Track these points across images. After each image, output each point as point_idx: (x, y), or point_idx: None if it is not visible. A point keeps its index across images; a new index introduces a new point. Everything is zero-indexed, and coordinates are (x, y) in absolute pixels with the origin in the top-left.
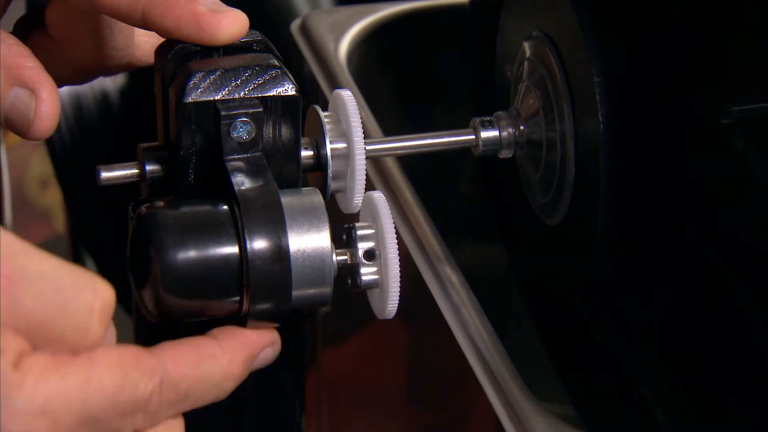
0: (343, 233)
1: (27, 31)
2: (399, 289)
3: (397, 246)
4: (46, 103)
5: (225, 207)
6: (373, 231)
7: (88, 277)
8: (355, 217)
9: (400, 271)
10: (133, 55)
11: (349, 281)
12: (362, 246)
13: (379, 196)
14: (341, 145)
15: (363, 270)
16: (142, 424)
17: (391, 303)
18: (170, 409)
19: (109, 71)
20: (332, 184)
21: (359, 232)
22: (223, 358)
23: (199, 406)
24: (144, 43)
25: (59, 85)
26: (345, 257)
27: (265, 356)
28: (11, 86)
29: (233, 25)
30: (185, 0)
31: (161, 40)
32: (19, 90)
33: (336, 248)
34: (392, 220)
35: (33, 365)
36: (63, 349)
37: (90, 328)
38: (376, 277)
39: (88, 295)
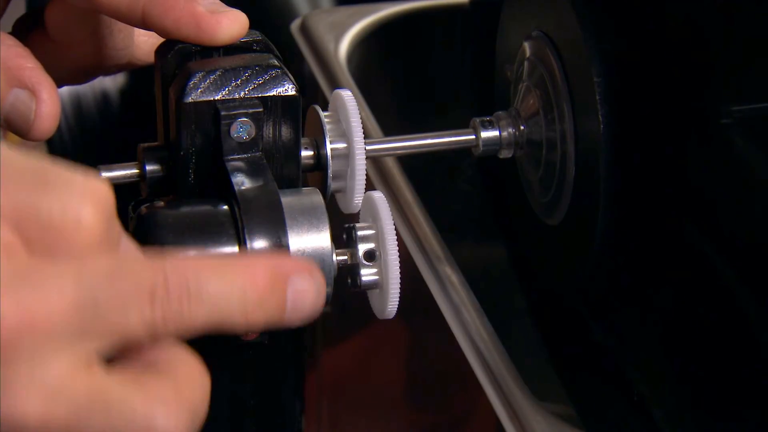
0: (343, 233)
1: (26, 31)
2: (399, 290)
3: (397, 246)
4: (46, 103)
5: (225, 207)
6: (373, 231)
7: (79, 173)
8: (355, 217)
9: (400, 271)
10: (132, 54)
11: (349, 281)
12: (362, 246)
13: (379, 196)
14: (341, 145)
15: (363, 270)
16: (151, 320)
17: (391, 303)
18: (182, 309)
19: (109, 71)
20: (332, 184)
21: (359, 233)
22: (243, 262)
23: (220, 320)
24: (144, 43)
25: (59, 85)
26: (345, 257)
27: (303, 287)
28: (11, 87)
29: (233, 25)
30: (185, 0)
31: (161, 39)
32: (19, 91)
33: (336, 248)
34: (392, 221)
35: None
36: (55, 243)
37: (82, 220)
38: (376, 277)
39: (78, 185)
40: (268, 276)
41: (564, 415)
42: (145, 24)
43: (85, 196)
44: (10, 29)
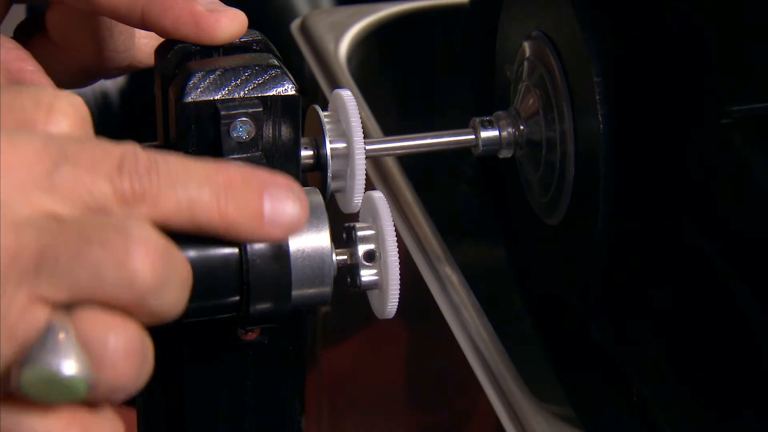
0: (343, 233)
1: (28, 35)
2: (399, 290)
3: (397, 247)
4: None
5: None
6: (373, 232)
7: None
8: (355, 217)
9: (400, 271)
10: (133, 57)
11: (349, 281)
12: (362, 247)
13: (379, 196)
14: (341, 145)
15: (363, 271)
16: (120, 190)
17: (390, 303)
18: (151, 187)
19: (110, 73)
20: (332, 184)
21: (359, 233)
22: (214, 163)
23: (191, 209)
24: (145, 45)
25: (60, 88)
26: (345, 257)
27: (281, 196)
28: None
29: (232, 24)
30: (184, 0)
31: (162, 41)
32: None
33: (336, 248)
34: (392, 221)
35: None
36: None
37: (54, 107)
38: (376, 278)
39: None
40: (242, 176)
41: (564, 415)
42: (144, 24)
43: (59, 95)
44: (11, 35)
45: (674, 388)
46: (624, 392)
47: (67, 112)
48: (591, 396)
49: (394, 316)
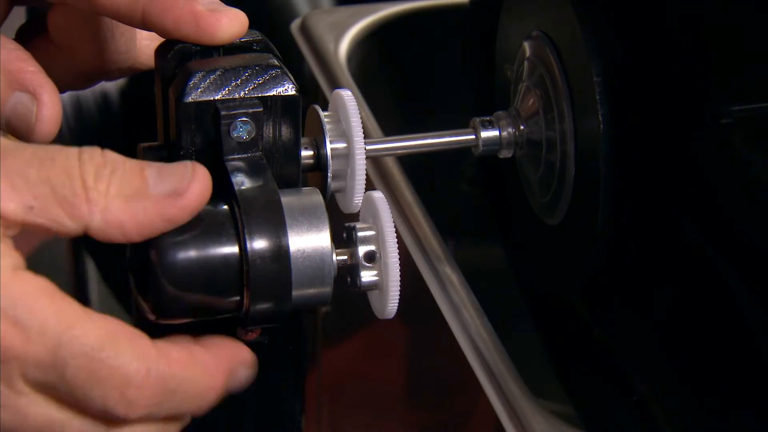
0: (343, 233)
1: (29, 37)
2: (399, 290)
3: (397, 248)
4: (48, 106)
5: (225, 207)
6: (373, 232)
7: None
8: (355, 217)
9: (400, 272)
10: (135, 58)
11: (349, 281)
12: (362, 247)
13: (379, 196)
14: (341, 145)
15: (363, 271)
16: (118, 409)
17: (391, 303)
18: (150, 405)
19: (111, 75)
20: (332, 184)
21: (359, 234)
22: (211, 366)
23: (175, 417)
24: (146, 47)
25: (62, 90)
26: (345, 257)
27: (242, 375)
28: (12, 91)
29: (232, 24)
30: (184, 0)
31: (162, 41)
32: (21, 94)
33: (336, 248)
34: (392, 221)
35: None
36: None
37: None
38: (377, 278)
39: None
40: (225, 382)
41: (564, 415)
42: (145, 24)
43: (88, 169)
44: (13, 37)
45: (674, 388)
46: (624, 392)
47: (98, 190)
48: (591, 396)
49: (394, 316)
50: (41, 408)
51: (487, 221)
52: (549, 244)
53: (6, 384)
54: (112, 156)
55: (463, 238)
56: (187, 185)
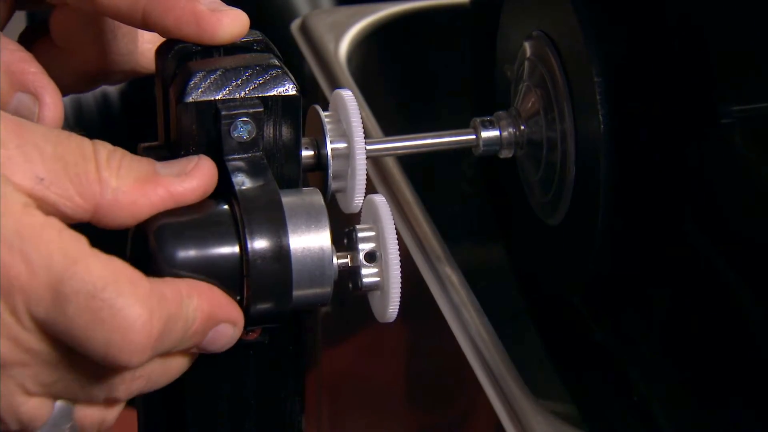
0: (344, 237)
1: (31, 40)
2: (400, 293)
3: (398, 250)
4: (50, 107)
5: (225, 206)
6: (374, 233)
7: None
8: (355, 217)
9: (401, 274)
10: (136, 61)
11: (351, 286)
12: (363, 247)
13: (380, 199)
14: (342, 145)
15: (364, 272)
16: (120, 355)
17: (391, 306)
18: (152, 350)
19: (112, 78)
20: (333, 184)
21: (360, 234)
22: (194, 300)
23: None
24: (148, 50)
25: (64, 93)
26: (346, 260)
27: (222, 332)
28: (15, 91)
29: (233, 24)
30: (185, 0)
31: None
32: (23, 95)
33: (337, 250)
34: (393, 225)
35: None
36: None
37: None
38: (377, 279)
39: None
40: (204, 326)
41: (564, 415)
42: (146, 24)
43: (101, 159)
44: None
45: (674, 387)
46: (624, 392)
47: (108, 181)
48: (591, 396)
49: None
50: (46, 347)
51: (487, 221)
52: (549, 245)
53: (12, 316)
54: (121, 149)
55: (463, 238)
56: (193, 167)
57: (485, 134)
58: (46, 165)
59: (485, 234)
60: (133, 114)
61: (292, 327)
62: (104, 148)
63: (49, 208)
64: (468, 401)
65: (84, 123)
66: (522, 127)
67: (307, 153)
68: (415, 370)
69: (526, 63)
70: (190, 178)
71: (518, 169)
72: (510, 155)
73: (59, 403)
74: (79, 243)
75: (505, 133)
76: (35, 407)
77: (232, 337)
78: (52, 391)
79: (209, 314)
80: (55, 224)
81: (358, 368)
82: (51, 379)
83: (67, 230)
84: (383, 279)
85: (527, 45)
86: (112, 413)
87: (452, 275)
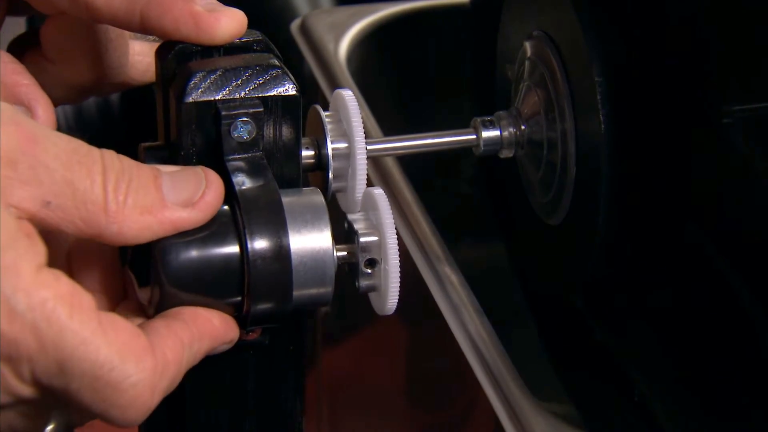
0: (343, 233)
1: (22, 51)
2: (398, 289)
3: (397, 248)
4: (42, 119)
5: (226, 207)
6: (375, 238)
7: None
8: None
9: (400, 271)
10: (127, 73)
11: (347, 270)
12: (363, 240)
13: (379, 193)
14: (342, 145)
15: (363, 269)
16: (116, 422)
17: (390, 300)
18: (148, 411)
19: (104, 90)
20: (333, 184)
21: (356, 225)
22: (195, 345)
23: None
24: (139, 63)
25: (55, 104)
26: (345, 253)
27: (220, 349)
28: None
29: (231, 23)
30: (183, 1)
31: (162, 42)
32: (16, 108)
33: (337, 249)
34: (392, 218)
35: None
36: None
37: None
38: (377, 280)
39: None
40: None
41: (564, 415)
42: (144, 27)
43: (108, 180)
44: (5, 49)
45: (675, 387)
46: (625, 392)
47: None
48: (591, 396)
49: (394, 316)
50: (38, 397)
51: (487, 221)
52: (550, 245)
53: (16, 378)
54: (128, 162)
55: (463, 238)
56: (201, 195)
57: (486, 134)
58: (54, 189)
59: (485, 234)
60: (133, 114)
61: (293, 327)
62: (113, 170)
63: (49, 227)
64: (468, 401)
65: (84, 123)
66: (522, 127)
67: (307, 153)
68: (415, 370)
69: (527, 63)
70: (197, 211)
71: (519, 169)
72: (510, 155)
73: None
74: (89, 318)
75: (505, 133)
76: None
77: (223, 350)
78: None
79: (210, 348)
80: (66, 295)
81: (358, 368)
82: (38, 413)
83: (78, 300)
84: (383, 278)
85: (528, 45)
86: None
87: (452, 275)
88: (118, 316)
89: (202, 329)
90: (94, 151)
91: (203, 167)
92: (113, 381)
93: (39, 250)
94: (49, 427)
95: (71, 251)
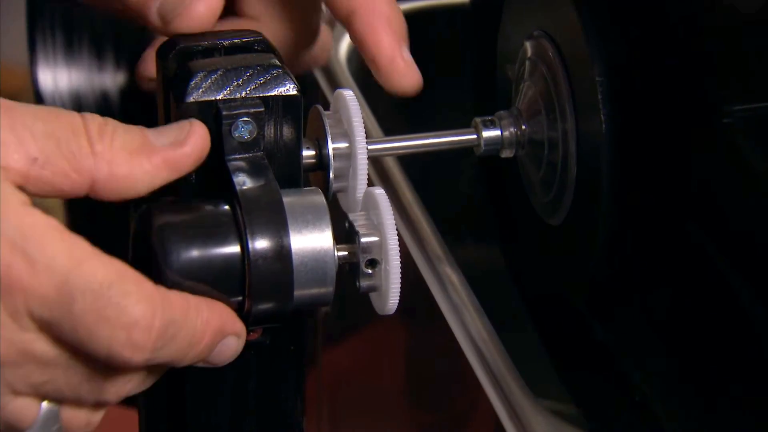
0: (344, 233)
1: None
2: (399, 290)
3: (398, 247)
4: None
5: (227, 207)
6: (376, 239)
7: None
8: None
9: (401, 271)
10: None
11: (348, 269)
12: (364, 240)
13: (380, 193)
14: (343, 145)
15: (364, 269)
16: (123, 352)
17: (391, 300)
18: (153, 350)
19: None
20: (334, 184)
21: (357, 226)
22: (205, 317)
23: (162, 366)
24: (321, 48)
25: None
26: (345, 252)
27: (229, 345)
28: None
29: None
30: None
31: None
32: None
33: (338, 249)
34: (393, 219)
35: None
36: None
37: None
38: (377, 280)
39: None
40: (212, 341)
41: (564, 415)
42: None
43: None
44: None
45: (675, 387)
46: (625, 392)
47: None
48: (592, 396)
49: (395, 317)
50: (44, 347)
51: (488, 221)
52: (550, 244)
53: (10, 317)
54: (111, 120)
55: (463, 238)
56: (186, 134)
57: (486, 134)
58: (38, 144)
59: (485, 234)
60: (133, 114)
61: (294, 327)
62: (94, 121)
63: (45, 187)
64: (468, 401)
65: None
66: (523, 127)
67: (308, 153)
68: (415, 370)
69: (527, 62)
70: (184, 146)
71: (519, 169)
72: (511, 155)
73: (46, 405)
74: (81, 244)
75: (506, 133)
76: (22, 407)
77: (236, 350)
78: (40, 392)
79: (218, 327)
80: (56, 225)
81: (358, 368)
82: (41, 379)
83: (68, 232)
84: (383, 279)
85: (528, 44)
86: (97, 415)
87: (452, 275)
88: None
89: (209, 303)
90: (73, 112)
91: (190, 120)
92: (114, 297)
93: (23, 195)
94: (44, 404)
95: None
